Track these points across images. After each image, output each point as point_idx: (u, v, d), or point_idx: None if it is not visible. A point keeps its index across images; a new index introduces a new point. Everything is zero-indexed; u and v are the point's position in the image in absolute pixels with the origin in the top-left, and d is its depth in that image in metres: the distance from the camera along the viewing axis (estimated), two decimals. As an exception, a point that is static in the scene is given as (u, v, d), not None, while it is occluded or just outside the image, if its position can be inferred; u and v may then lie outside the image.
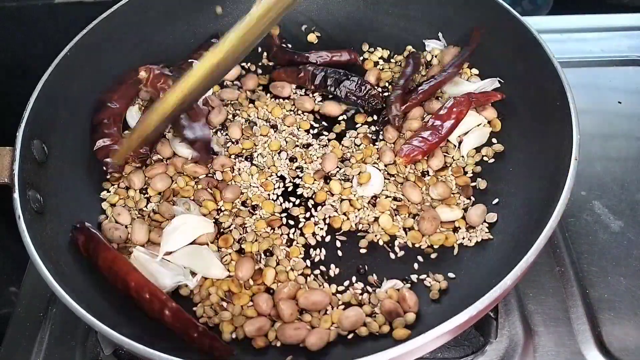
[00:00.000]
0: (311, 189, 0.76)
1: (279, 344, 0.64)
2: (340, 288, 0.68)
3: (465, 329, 0.61)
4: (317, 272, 0.70)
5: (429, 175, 0.76)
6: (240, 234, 0.72)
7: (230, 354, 0.61)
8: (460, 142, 0.78)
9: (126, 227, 0.72)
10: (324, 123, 0.83)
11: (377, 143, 0.80)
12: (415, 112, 0.81)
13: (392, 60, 0.90)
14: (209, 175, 0.77)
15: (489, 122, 0.80)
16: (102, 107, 0.79)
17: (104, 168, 0.75)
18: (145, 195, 0.76)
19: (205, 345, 0.60)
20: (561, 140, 0.66)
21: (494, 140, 0.79)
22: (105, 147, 0.76)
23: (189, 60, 0.86)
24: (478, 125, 0.79)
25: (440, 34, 0.88)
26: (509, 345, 0.70)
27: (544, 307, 0.73)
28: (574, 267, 0.76)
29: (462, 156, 0.77)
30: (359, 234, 0.72)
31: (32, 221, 0.64)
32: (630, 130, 0.90)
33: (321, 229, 0.73)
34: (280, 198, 0.76)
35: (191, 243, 0.70)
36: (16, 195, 0.64)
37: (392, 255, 0.71)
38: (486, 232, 0.71)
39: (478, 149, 0.78)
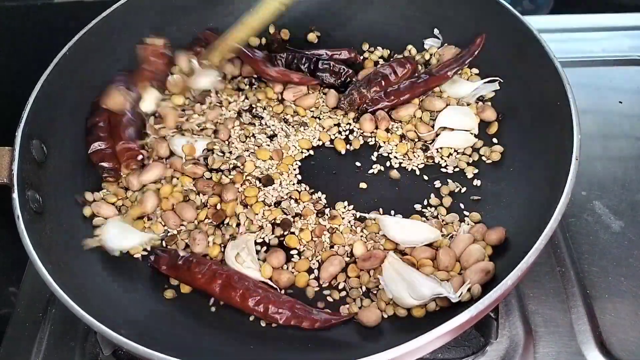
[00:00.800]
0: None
1: None
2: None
3: (465, 329, 0.61)
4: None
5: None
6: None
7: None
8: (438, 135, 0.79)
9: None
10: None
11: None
12: (404, 111, 0.81)
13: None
14: (207, 178, 0.77)
15: (487, 124, 0.80)
16: (97, 109, 0.78)
17: (100, 172, 0.75)
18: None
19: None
20: (562, 140, 0.66)
21: (494, 140, 0.79)
22: (100, 151, 0.75)
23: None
24: (467, 131, 0.79)
25: (436, 30, 0.88)
26: (510, 346, 0.70)
27: (544, 307, 0.73)
28: (575, 267, 0.76)
29: (437, 149, 0.78)
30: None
31: (31, 221, 0.64)
32: (631, 130, 0.90)
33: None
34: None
35: None
36: (15, 195, 0.64)
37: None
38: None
39: (477, 150, 0.78)
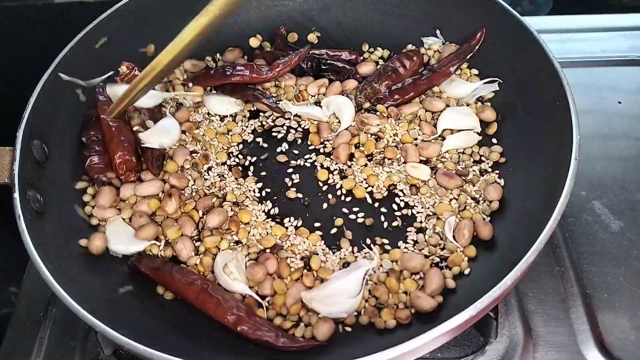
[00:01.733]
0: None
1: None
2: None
3: (465, 328, 0.61)
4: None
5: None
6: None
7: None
8: (443, 138, 0.79)
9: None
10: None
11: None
12: (408, 109, 0.81)
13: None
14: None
15: (487, 125, 0.80)
16: (89, 122, 0.77)
17: (97, 185, 0.74)
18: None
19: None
20: (561, 140, 0.66)
21: (494, 140, 0.79)
22: (97, 164, 0.74)
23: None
24: (470, 130, 0.79)
25: (437, 31, 0.88)
26: (509, 345, 0.70)
27: (544, 307, 0.73)
28: (574, 267, 0.76)
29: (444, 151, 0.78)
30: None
31: (32, 221, 0.64)
32: (630, 130, 0.90)
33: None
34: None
35: None
36: (16, 195, 0.64)
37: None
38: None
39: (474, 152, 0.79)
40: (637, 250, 0.77)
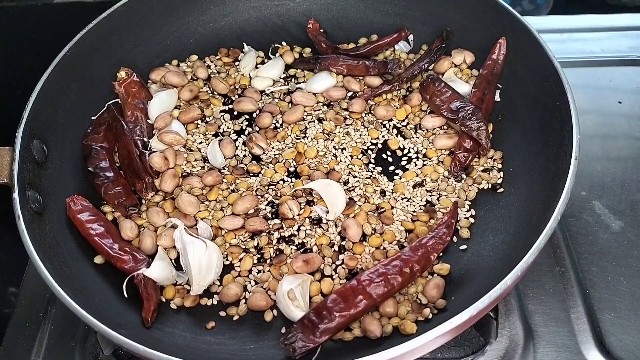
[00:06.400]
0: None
1: None
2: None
3: (465, 329, 0.61)
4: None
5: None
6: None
7: None
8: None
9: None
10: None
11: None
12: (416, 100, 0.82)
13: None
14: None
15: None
16: (89, 151, 0.76)
17: (123, 212, 0.74)
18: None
19: None
20: (561, 140, 0.66)
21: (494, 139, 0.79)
22: (114, 192, 0.73)
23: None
24: None
25: (410, 36, 0.88)
26: (509, 346, 0.70)
27: (544, 307, 0.73)
28: (574, 267, 0.76)
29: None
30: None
31: (32, 221, 0.64)
32: (631, 130, 0.90)
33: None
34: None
35: None
36: (16, 195, 0.64)
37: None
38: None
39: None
40: (637, 250, 0.77)
